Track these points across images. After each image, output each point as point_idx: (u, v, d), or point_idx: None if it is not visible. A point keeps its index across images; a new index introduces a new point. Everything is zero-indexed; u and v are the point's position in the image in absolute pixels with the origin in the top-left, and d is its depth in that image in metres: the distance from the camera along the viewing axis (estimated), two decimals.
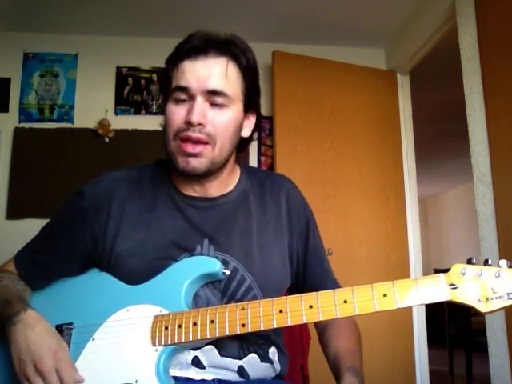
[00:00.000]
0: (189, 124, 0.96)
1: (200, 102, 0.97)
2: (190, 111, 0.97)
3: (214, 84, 0.97)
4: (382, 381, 2.87)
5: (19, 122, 3.10)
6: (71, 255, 1.04)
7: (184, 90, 0.98)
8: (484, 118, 2.20)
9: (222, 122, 0.99)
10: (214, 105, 0.98)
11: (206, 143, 0.98)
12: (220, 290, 0.99)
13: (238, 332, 0.88)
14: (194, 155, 0.98)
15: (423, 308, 3.14)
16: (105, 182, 1.07)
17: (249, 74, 1.03)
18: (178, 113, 0.99)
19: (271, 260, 1.05)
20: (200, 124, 0.96)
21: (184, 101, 0.99)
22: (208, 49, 0.99)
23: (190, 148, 0.97)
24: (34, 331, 0.92)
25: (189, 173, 1.00)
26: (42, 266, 1.05)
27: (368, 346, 2.83)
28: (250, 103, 1.05)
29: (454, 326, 4.80)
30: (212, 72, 0.98)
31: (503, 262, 0.81)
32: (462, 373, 4.44)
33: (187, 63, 0.98)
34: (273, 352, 1.04)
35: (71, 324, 0.98)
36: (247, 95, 1.03)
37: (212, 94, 0.98)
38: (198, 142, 0.97)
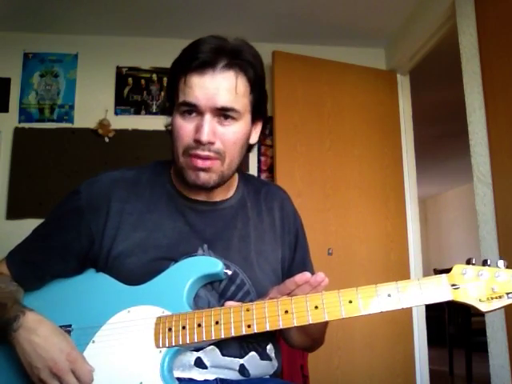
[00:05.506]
0: (198, 143, 0.95)
1: (208, 120, 0.95)
2: (198, 129, 0.95)
3: (223, 101, 0.95)
4: (382, 381, 2.87)
5: (19, 122, 3.10)
6: (66, 254, 1.02)
7: (192, 105, 0.95)
8: (484, 118, 2.20)
9: (231, 137, 0.98)
10: (223, 121, 0.97)
11: (215, 159, 0.97)
12: (218, 292, 0.99)
13: (244, 333, 0.87)
14: (204, 170, 0.97)
15: (423, 308, 3.13)
16: (102, 182, 1.05)
17: (257, 85, 1.01)
18: (186, 128, 0.97)
19: (266, 267, 1.05)
20: (209, 142, 0.95)
21: (191, 114, 0.96)
22: (216, 62, 0.95)
23: (200, 163, 0.96)
24: (39, 335, 0.90)
25: (199, 187, 1.00)
26: (35, 265, 1.02)
27: (368, 346, 2.88)
28: (258, 112, 1.04)
29: (454, 326, 4.80)
30: (221, 88, 0.94)
31: (501, 263, 0.84)
32: (462, 373, 4.44)
33: (195, 78, 0.95)
34: (270, 348, 1.05)
35: (70, 326, 0.96)
36: (255, 105, 1.02)
37: (221, 111, 0.96)
38: (207, 158, 0.97)
